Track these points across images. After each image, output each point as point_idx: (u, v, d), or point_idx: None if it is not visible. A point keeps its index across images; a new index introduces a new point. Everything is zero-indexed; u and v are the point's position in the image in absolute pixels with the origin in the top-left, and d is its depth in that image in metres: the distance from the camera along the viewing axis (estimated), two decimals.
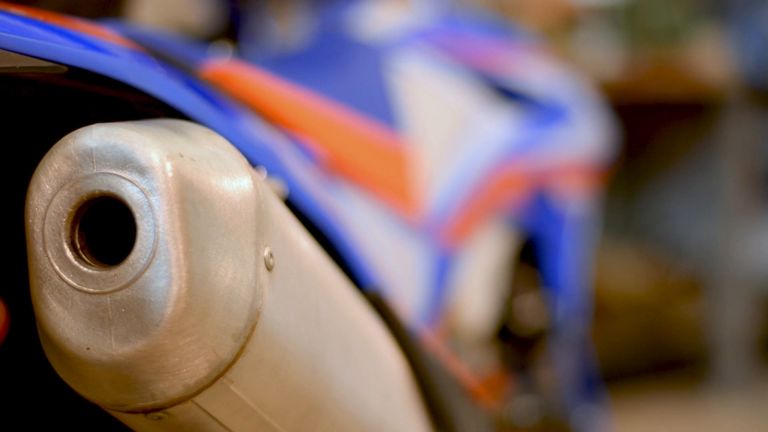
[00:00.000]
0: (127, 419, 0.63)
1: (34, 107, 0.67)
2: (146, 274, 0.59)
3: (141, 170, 0.59)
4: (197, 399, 0.62)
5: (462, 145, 1.32)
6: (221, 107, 0.78)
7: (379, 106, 1.19)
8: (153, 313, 0.59)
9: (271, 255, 0.64)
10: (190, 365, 0.60)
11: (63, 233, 0.60)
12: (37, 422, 0.78)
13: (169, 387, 0.60)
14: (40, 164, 0.61)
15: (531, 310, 1.46)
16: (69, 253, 0.60)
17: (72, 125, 0.62)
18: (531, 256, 1.50)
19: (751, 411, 3.22)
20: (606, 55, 3.13)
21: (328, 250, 0.81)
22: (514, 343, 1.46)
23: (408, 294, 1.11)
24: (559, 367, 1.55)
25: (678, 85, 3.21)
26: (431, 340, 1.11)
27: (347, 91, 1.16)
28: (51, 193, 0.60)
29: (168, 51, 0.83)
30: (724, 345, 3.34)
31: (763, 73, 3.23)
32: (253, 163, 0.72)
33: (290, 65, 1.23)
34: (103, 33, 0.73)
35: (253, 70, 0.99)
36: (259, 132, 0.84)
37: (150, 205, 0.59)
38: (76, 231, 0.60)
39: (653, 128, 3.54)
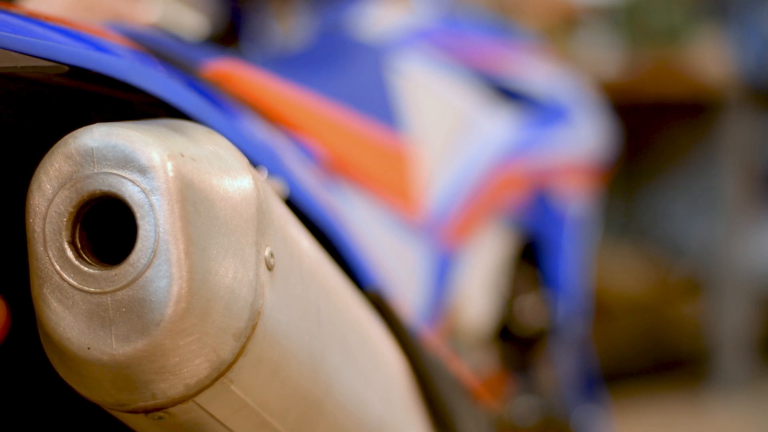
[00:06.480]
0: (128, 419, 0.63)
1: (35, 107, 0.67)
2: (147, 273, 0.59)
3: (142, 170, 0.59)
4: (198, 399, 0.62)
5: (462, 145, 1.32)
6: (222, 107, 0.78)
7: (379, 106, 1.19)
8: (154, 313, 0.59)
9: (271, 255, 0.64)
10: (190, 365, 0.60)
11: (64, 233, 0.60)
12: (38, 422, 0.78)
13: (169, 387, 0.60)
14: (41, 164, 0.61)
15: (531, 310, 1.46)
16: (70, 253, 0.60)
17: (72, 125, 0.62)
18: (531, 256, 1.50)
19: (751, 411, 3.22)
20: (606, 55, 3.13)
21: (328, 250, 0.81)
22: (515, 343, 1.46)
23: (408, 294, 1.11)
24: (559, 367, 1.55)
25: (678, 85, 3.20)
26: (431, 340, 1.10)
27: (348, 91, 1.16)
28: (52, 193, 0.60)
29: (169, 51, 0.83)
30: (724, 345, 3.34)
31: (763, 73, 3.22)
32: (254, 163, 0.71)
33: (291, 65, 1.22)
34: (104, 33, 0.73)
35: (253, 70, 0.99)
36: (259, 132, 0.84)
37: (151, 205, 0.59)
38: (77, 231, 0.60)
39: (653, 128, 3.53)
